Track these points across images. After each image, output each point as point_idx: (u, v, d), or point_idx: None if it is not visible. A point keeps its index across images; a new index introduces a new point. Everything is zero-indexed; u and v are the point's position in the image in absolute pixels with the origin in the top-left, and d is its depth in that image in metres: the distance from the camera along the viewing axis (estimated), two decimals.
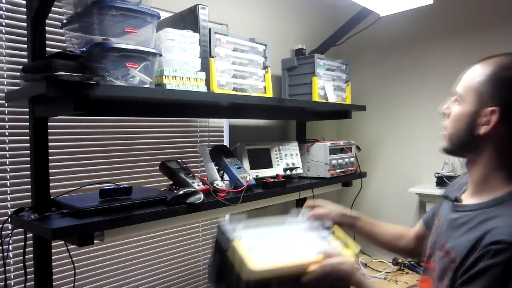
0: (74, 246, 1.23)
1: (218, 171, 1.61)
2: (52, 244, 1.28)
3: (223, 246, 0.89)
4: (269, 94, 1.70)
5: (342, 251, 0.96)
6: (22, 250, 1.23)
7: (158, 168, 1.55)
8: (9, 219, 1.20)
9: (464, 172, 1.03)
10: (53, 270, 1.26)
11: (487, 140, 0.87)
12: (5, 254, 1.25)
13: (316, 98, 1.99)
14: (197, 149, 1.96)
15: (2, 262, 1.21)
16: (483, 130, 0.86)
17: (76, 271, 1.41)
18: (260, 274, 0.80)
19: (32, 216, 1.11)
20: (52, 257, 1.27)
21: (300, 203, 2.45)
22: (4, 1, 1.36)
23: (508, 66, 0.86)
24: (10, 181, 1.39)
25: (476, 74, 0.91)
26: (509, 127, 0.85)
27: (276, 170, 1.86)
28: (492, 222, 0.82)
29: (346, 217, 1.21)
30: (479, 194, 0.92)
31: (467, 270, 0.80)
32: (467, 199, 0.96)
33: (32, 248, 1.26)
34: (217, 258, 0.93)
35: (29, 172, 1.27)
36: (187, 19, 1.47)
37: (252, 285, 0.80)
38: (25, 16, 1.30)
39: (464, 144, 0.91)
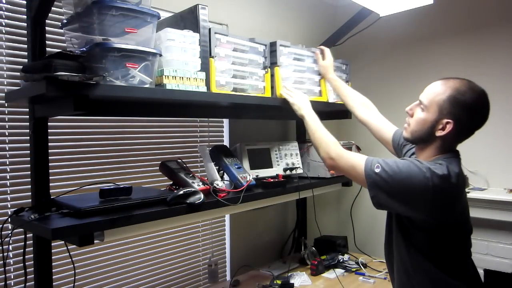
0: (74, 246, 1.23)
1: (218, 171, 1.61)
2: (52, 244, 1.28)
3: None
4: (269, 94, 1.70)
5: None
6: (22, 250, 1.23)
7: (158, 168, 1.55)
8: (9, 219, 1.20)
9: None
10: (53, 270, 1.27)
11: (438, 139, 1.22)
12: (5, 254, 1.26)
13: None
14: (197, 149, 1.96)
15: (2, 262, 1.21)
16: (439, 133, 1.21)
17: (76, 271, 1.41)
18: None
19: (32, 216, 1.11)
20: (52, 257, 1.27)
21: (300, 203, 2.45)
22: (4, 1, 1.36)
23: (463, 92, 1.18)
24: (10, 181, 1.39)
25: (439, 92, 1.21)
26: (453, 133, 1.20)
27: (276, 170, 1.86)
28: None
29: (328, 78, 1.92)
30: None
31: None
32: None
33: (32, 248, 1.26)
34: None
35: (29, 172, 1.28)
36: (187, 19, 1.47)
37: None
38: (25, 16, 1.30)
39: (422, 139, 1.26)
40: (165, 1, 1.76)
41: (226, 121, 2.12)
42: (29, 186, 1.29)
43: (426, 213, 1.14)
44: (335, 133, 3.09)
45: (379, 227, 2.69)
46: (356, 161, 1.26)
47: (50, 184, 1.28)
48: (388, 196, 1.16)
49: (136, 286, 1.75)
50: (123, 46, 1.16)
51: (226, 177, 1.65)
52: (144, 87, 1.23)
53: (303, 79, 1.89)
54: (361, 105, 1.73)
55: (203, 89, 1.40)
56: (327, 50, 1.92)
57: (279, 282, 1.94)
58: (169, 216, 1.27)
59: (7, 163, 1.38)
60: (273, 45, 1.74)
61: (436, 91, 1.22)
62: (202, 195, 1.36)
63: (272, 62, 1.74)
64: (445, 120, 1.19)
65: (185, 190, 1.33)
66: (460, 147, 1.27)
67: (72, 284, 1.44)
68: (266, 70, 1.70)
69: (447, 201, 1.15)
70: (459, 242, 1.24)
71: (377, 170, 1.18)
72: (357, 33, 2.35)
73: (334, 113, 2.29)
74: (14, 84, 1.38)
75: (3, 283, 1.33)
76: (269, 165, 1.86)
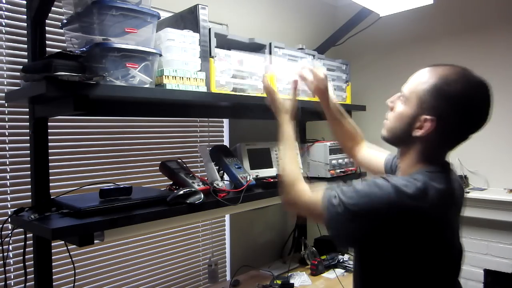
0: (74, 246, 1.23)
1: (218, 171, 1.61)
2: (52, 244, 1.28)
3: None
4: None
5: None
6: (22, 250, 1.23)
7: (158, 168, 1.55)
8: (9, 219, 1.20)
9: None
10: (53, 270, 1.26)
11: (418, 141, 0.99)
12: (5, 254, 1.25)
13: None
14: (197, 149, 1.96)
15: (2, 262, 1.21)
16: (417, 133, 0.97)
17: (76, 271, 1.41)
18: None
19: (32, 216, 1.11)
20: (52, 257, 1.27)
21: None
22: (4, 1, 1.36)
23: (451, 82, 0.94)
24: (10, 181, 1.39)
25: (423, 80, 0.98)
26: (437, 135, 0.95)
27: (276, 170, 1.86)
28: None
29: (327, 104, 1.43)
30: (399, 171, 1.09)
31: None
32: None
33: (32, 248, 1.26)
34: None
35: (29, 172, 1.27)
36: (187, 19, 1.47)
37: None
38: (25, 16, 1.30)
39: (399, 138, 1.03)
40: (165, 1, 1.76)
41: (226, 121, 2.12)
42: (29, 186, 1.28)
43: (393, 247, 0.92)
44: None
45: None
46: (314, 200, 1.00)
47: (50, 184, 1.28)
48: (348, 231, 0.93)
49: (136, 286, 1.75)
50: (123, 46, 1.16)
51: (226, 177, 1.65)
52: (144, 87, 1.22)
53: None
54: (350, 141, 1.48)
55: (203, 89, 1.40)
56: (318, 64, 1.50)
57: (279, 282, 1.94)
58: (169, 216, 1.27)
59: (7, 163, 1.38)
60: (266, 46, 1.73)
61: (420, 79, 0.99)
62: (202, 195, 1.36)
63: None
64: (423, 117, 0.95)
65: (185, 190, 1.33)
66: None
67: (72, 284, 1.44)
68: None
69: (421, 229, 0.90)
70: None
71: (335, 202, 0.93)
72: (357, 33, 2.35)
73: None
74: (14, 84, 1.38)
75: (3, 283, 1.33)
76: (269, 165, 1.86)
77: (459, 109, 0.93)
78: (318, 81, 1.34)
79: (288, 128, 1.24)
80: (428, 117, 0.94)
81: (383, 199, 0.89)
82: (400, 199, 0.88)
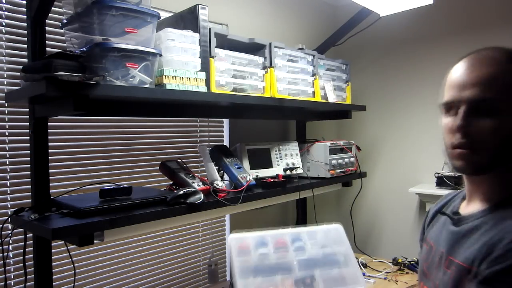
0: (74, 246, 1.23)
1: (218, 171, 1.61)
2: (52, 244, 1.28)
3: None
4: (268, 94, 1.70)
5: None
6: (22, 250, 1.23)
7: (158, 168, 1.55)
8: (9, 219, 1.20)
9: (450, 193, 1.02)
10: (53, 270, 1.27)
11: None
12: (5, 254, 1.26)
13: (318, 98, 1.99)
14: (197, 149, 1.96)
15: (2, 262, 1.21)
16: None
17: (76, 271, 1.41)
18: None
19: (32, 216, 1.11)
20: (52, 257, 1.27)
21: (300, 203, 2.45)
22: (4, 1, 1.36)
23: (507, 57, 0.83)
24: (10, 181, 1.39)
25: (493, 72, 0.82)
26: None
27: (276, 170, 1.86)
28: (508, 222, 0.78)
29: None
30: (477, 201, 0.88)
31: (490, 267, 0.75)
32: (466, 210, 0.91)
33: (32, 248, 1.26)
34: None
35: (29, 172, 1.28)
36: (187, 19, 1.47)
37: None
38: (25, 16, 1.30)
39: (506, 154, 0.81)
40: (165, 1, 1.76)
41: (226, 121, 2.12)
42: (29, 186, 1.28)
43: None
44: (335, 133, 3.10)
45: (379, 227, 2.70)
46: None
47: (50, 184, 1.28)
48: None
49: (136, 286, 1.75)
50: (123, 46, 1.16)
51: (226, 177, 1.66)
52: (144, 87, 1.23)
53: (297, 80, 1.88)
54: None
55: (203, 89, 1.40)
56: None
57: None
58: (169, 216, 1.27)
59: (7, 163, 1.38)
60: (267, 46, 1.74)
61: (486, 73, 0.83)
62: (202, 195, 1.36)
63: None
64: None
65: (185, 190, 1.33)
66: None
67: (72, 284, 1.44)
68: (266, 70, 1.70)
69: None
70: None
71: None
72: (357, 33, 2.35)
73: (334, 113, 2.29)
74: (14, 84, 1.38)
75: (3, 283, 1.33)
76: (269, 165, 1.86)
77: None
78: None
79: None
80: None
81: None
82: None
